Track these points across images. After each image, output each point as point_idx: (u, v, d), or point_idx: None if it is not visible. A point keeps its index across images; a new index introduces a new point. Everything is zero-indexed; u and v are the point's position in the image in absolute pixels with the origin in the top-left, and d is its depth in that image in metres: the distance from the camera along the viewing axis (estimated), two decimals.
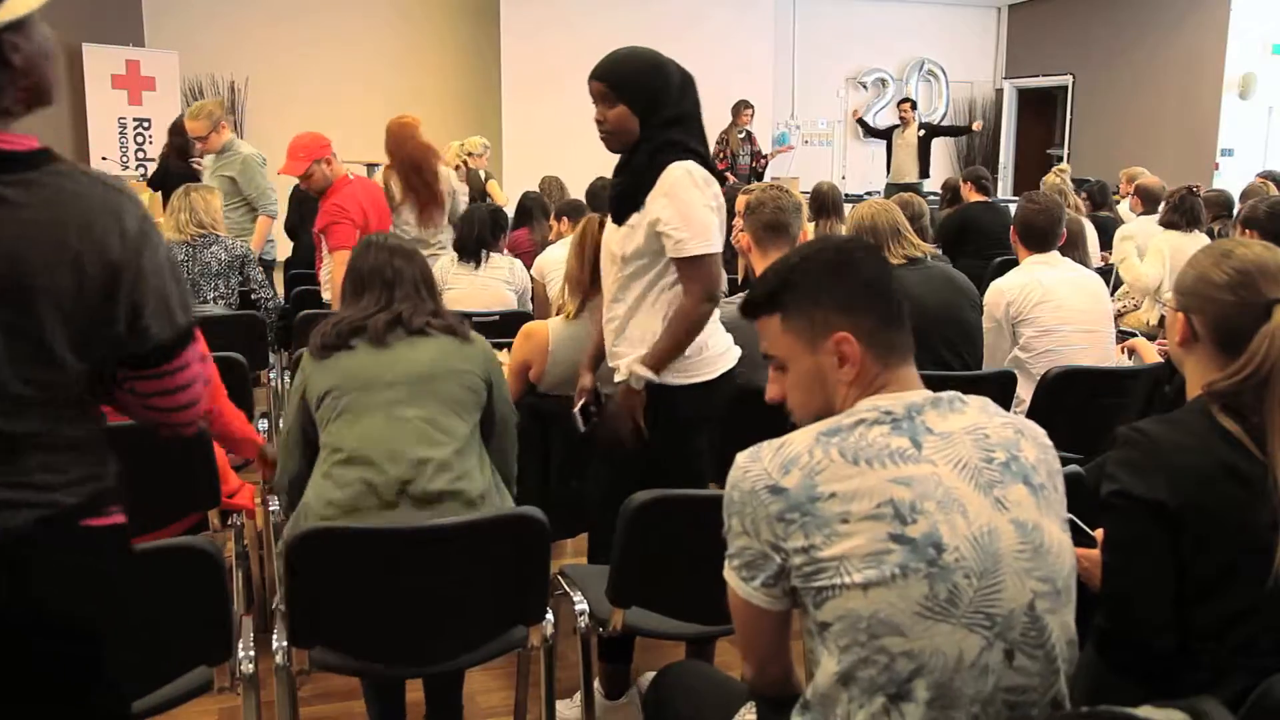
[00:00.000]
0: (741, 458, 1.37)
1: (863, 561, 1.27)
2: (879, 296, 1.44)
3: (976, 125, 10.56)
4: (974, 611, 1.29)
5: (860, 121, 10.88)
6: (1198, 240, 4.89)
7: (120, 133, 8.55)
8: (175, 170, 5.99)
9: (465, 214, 4.46)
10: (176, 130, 6.04)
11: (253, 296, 4.49)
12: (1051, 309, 3.43)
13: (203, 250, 4.31)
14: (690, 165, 2.35)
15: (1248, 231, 3.83)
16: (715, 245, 2.35)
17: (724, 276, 2.48)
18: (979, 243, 6.14)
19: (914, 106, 9.98)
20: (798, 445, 1.34)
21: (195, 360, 1.45)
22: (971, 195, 6.60)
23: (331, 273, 4.27)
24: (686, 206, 2.31)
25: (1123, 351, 3.69)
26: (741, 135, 9.01)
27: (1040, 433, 1.48)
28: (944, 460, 1.33)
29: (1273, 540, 1.48)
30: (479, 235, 4.18)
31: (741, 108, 8.97)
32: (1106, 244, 5.91)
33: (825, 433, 1.35)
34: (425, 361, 2.21)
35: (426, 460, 2.11)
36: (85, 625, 1.37)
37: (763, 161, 9.19)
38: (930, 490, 1.30)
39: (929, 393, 1.42)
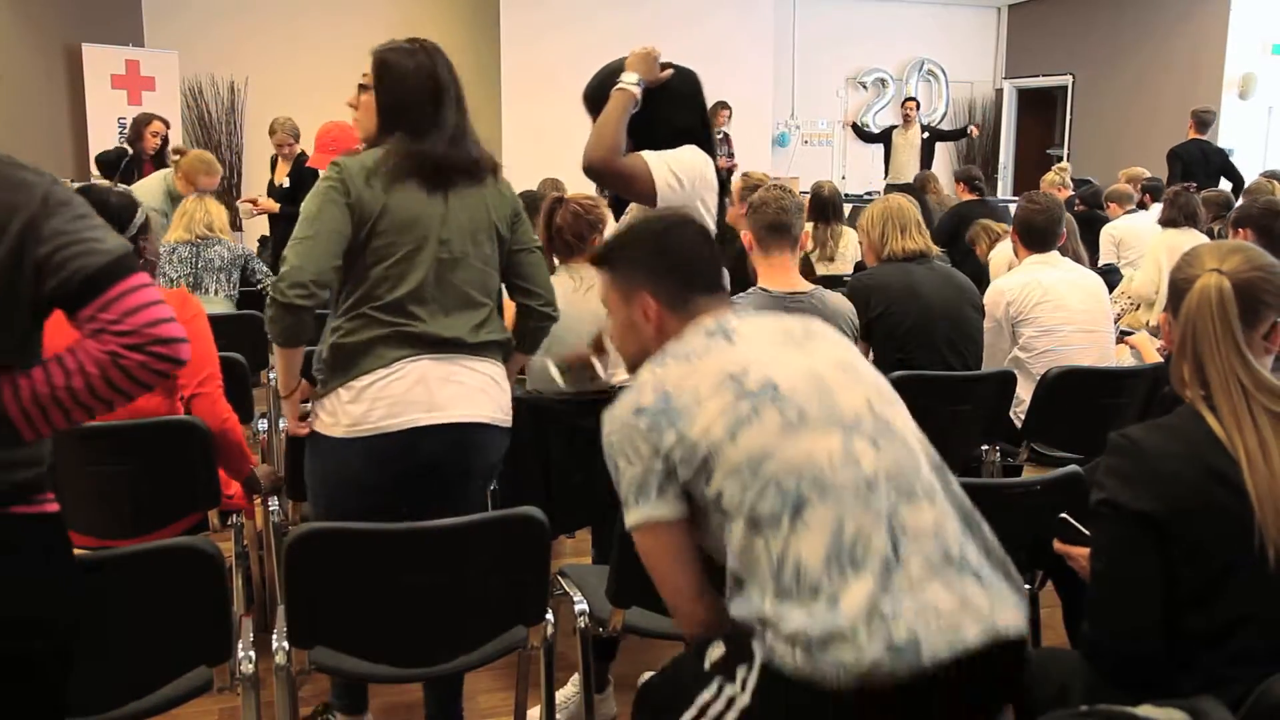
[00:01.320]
0: (604, 416, 1.59)
1: (722, 420, 1.48)
2: (687, 266, 1.70)
3: (973, 130, 10.57)
4: (824, 419, 1.49)
5: (854, 127, 10.89)
6: (1193, 238, 4.89)
7: (120, 133, 8.52)
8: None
9: None
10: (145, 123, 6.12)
11: (259, 288, 4.67)
12: (1051, 309, 3.43)
13: (206, 249, 4.59)
14: (692, 147, 2.43)
15: (1240, 231, 3.82)
16: (637, 168, 2.39)
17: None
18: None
19: (918, 106, 9.98)
20: (641, 378, 1.59)
21: (144, 285, 1.37)
22: (964, 195, 6.64)
23: None
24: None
25: (1123, 342, 3.69)
26: (719, 135, 8.98)
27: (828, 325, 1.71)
28: (755, 341, 1.59)
29: (1262, 542, 1.48)
30: None
31: (719, 109, 8.94)
32: (1090, 243, 5.97)
33: (655, 361, 1.61)
34: (471, 215, 2.21)
35: (468, 321, 2.22)
36: (21, 616, 1.36)
37: (732, 166, 9.03)
38: (753, 355, 1.55)
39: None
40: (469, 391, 2.22)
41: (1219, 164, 7.73)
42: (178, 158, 5.49)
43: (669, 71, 2.49)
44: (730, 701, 1.48)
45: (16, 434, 1.34)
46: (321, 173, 2.19)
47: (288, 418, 2.33)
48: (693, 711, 1.51)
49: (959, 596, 1.42)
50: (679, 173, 2.36)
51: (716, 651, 1.54)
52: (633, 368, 1.72)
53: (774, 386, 1.50)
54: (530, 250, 2.35)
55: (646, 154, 2.37)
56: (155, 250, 2.60)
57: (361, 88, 2.25)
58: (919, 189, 7.36)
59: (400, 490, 2.24)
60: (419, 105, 2.19)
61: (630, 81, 2.42)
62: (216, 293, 4.54)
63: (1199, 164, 7.52)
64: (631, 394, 1.56)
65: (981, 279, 4.28)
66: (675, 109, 2.49)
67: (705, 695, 1.50)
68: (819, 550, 1.41)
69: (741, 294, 2.97)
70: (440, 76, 2.21)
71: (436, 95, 2.19)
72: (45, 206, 1.32)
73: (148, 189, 5.28)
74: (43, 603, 1.41)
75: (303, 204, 2.17)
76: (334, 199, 2.11)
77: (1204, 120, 7.76)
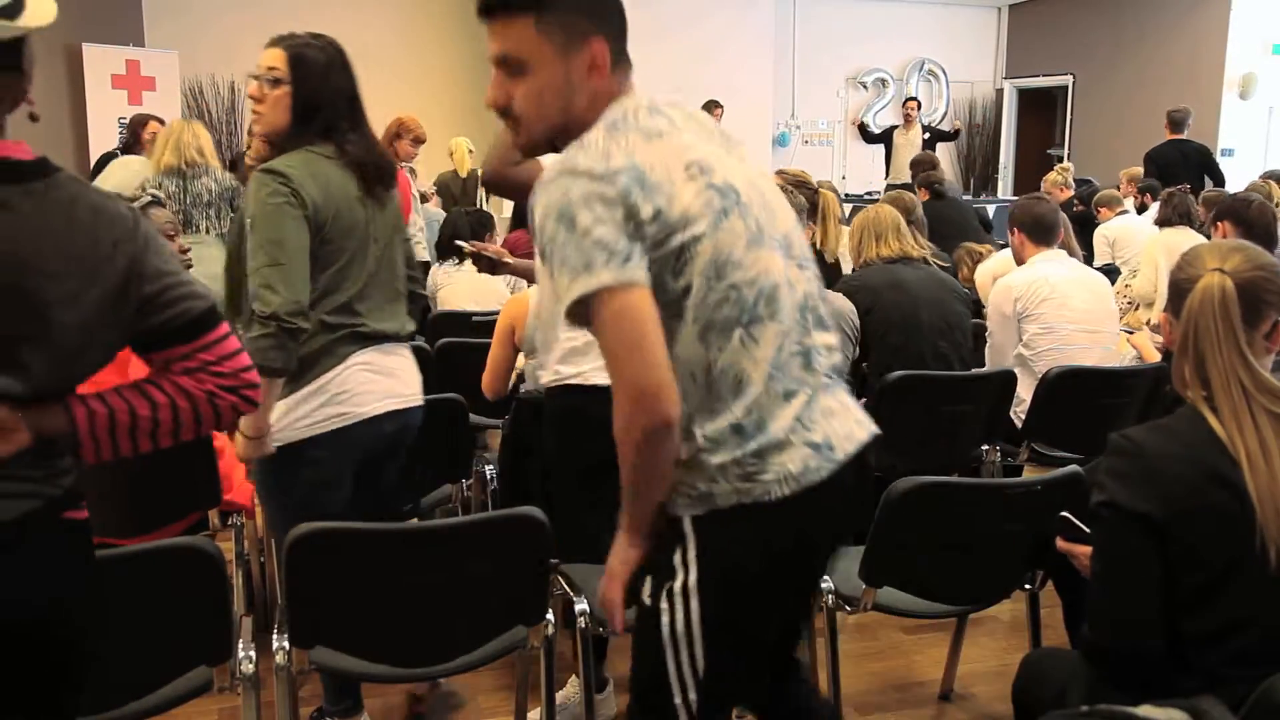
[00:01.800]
0: (548, 180, 1.37)
1: (699, 211, 1.39)
2: (621, 10, 1.51)
3: (956, 125, 10.89)
4: (772, 238, 1.48)
5: (861, 128, 10.94)
6: (1190, 237, 4.92)
7: (120, 133, 8.54)
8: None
9: (447, 218, 4.73)
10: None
11: None
12: (1056, 307, 3.43)
13: (193, 181, 4.36)
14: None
15: (1220, 225, 3.84)
16: None
17: None
18: (947, 236, 6.20)
19: (919, 106, 10.03)
20: (599, 141, 1.39)
21: (231, 332, 1.46)
22: (924, 198, 6.67)
23: None
24: None
25: (1130, 334, 3.70)
26: None
27: None
28: (691, 130, 1.48)
29: (1263, 543, 1.48)
30: (455, 235, 4.34)
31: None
32: (1086, 244, 6.00)
33: (609, 127, 1.42)
34: (385, 211, 2.28)
35: (396, 313, 2.33)
36: (66, 617, 1.38)
37: None
38: (702, 148, 1.46)
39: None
40: (407, 378, 2.35)
41: (1198, 162, 7.65)
42: (151, 136, 5.08)
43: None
44: (684, 591, 1.46)
45: (78, 450, 1.38)
46: (261, 182, 2.09)
47: (253, 455, 2.20)
48: (670, 661, 1.47)
49: (839, 402, 1.55)
50: None
51: (648, 584, 1.52)
52: (539, 146, 1.49)
53: (736, 192, 1.44)
54: (407, 237, 2.45)
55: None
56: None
57: (274, 81, 2.16)
58: (915, 171, 7.38)
59: (356, 478, 2.31)
60: (335, 104, 2.19)
61: None
62: (208, 230, 4.31)
63: (1177, 165, 7.45)
64: (592, 153, 1.37)
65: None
66: None
67: (664, 623, 1.47)
68: (762, 369, 1.44)
69: None
70: (351, 75, 2.23)
71: (349, 94, 2.21)
72: (146, 244, 1.37)
73: (121, 182, 4.63)
74: (91, 607, 1.43)
75: (259, 222, 2.09)
76: (293, 214, 2.08)
77: (1177, 120, 7.70)
